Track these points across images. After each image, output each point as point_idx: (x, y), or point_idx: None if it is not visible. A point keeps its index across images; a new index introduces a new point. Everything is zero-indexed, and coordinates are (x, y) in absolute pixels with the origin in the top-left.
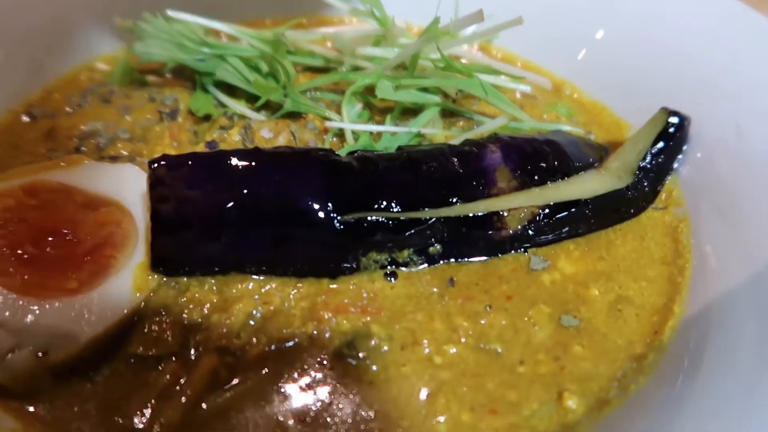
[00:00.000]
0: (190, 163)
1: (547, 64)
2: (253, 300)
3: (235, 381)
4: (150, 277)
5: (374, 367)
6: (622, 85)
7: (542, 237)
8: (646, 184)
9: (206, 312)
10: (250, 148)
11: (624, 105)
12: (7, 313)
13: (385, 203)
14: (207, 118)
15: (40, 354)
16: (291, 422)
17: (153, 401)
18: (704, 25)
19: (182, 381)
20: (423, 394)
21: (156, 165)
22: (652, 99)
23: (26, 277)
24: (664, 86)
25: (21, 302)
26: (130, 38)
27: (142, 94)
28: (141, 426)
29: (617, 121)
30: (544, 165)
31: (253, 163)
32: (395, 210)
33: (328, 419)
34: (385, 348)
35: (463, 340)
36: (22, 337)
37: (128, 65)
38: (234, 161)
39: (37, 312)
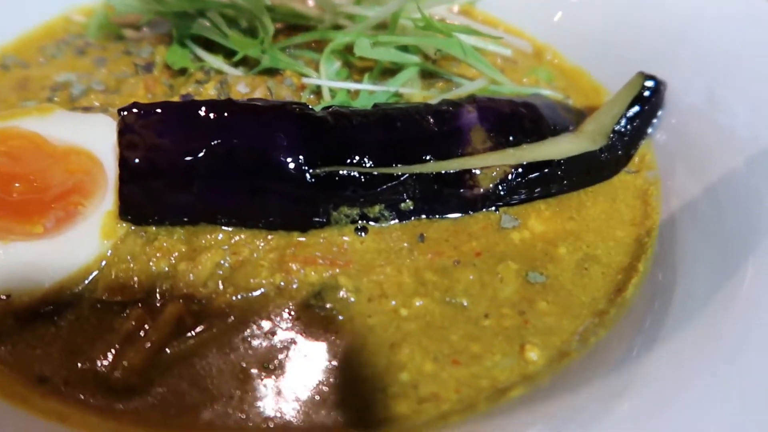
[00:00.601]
0: (160, 111)
1: (528, 29)
2: (222, 250)
3: (200, 328)
4: (118, 226)
5: (341, 317)
6: (602, 52)
7: (514, 196)
8: (619, 147)
9: (173, 261)
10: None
11: (604, 71)
12: None
13: (357, 158)
14: (183, 72)
15: (3, 297)
16: (254, 370)
17: (117, 346)
18: None
19: (147, 327)
20: (387, 344)
21: (126, 112)
22: (631, 66)
23: None
24: (643, 53)
25: None
26: None
27: (118, 47)
28: (103, 369)
29: (596, 86)
30: (519, 127)
31: (226, 114)
32: (368, 165)
33: (292, 367)
34: (352, 299)
35: (430, 294)
36: None
37: (105, 18)
38: (206, 111)
39: (1, 254)
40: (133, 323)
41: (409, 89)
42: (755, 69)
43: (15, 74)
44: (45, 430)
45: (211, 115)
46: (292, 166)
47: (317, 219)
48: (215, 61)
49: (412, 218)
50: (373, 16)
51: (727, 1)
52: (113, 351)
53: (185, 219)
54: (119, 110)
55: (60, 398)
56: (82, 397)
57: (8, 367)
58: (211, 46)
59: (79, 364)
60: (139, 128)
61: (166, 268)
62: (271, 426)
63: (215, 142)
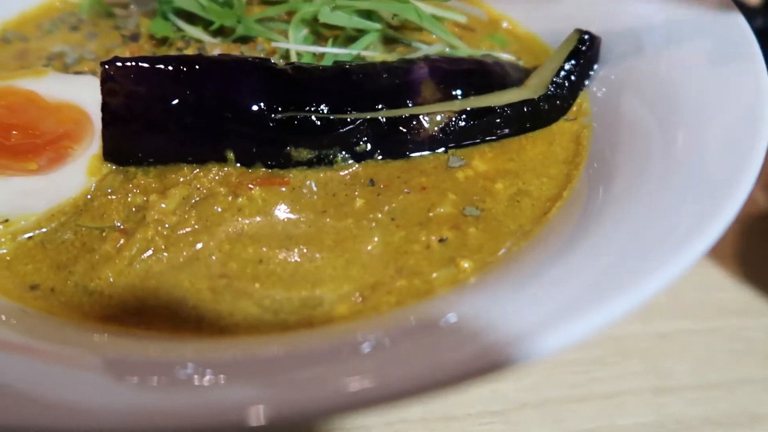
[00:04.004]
0: (138, 63)
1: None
2: (188, 185)
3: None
4: (102, 166)
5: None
6: (552, 16)
7: (460, 140)
8: (558, 97)
9: (147, 195)
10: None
11: (553, 36)
12: None
13: (315, 105)
14: (165, 41)
15: (2, 222)
16: (207, 280)
17: (95, 261)
18: None
19: (121, 246)
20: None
21: (108, 65)
22: (574, 26)
23: None
24: (585, 15)
25: None
26: None
27: (108, 23)
28: (82, 280)
29: (546, 49)
30: (468, 81)
31: (196, 66)
32: (324, 111)
33: (244, 274)
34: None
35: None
36: None
37: None
38: (178, 63)
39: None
40: (109, 243)
41: (371, 53)
42: (677, 26)
43: (15, 46)
44: (38, 319)
45: (183, 67)
46: (254, 110)
47: (279, 160)
48: (194, 31)
49: (368, 159)
50: None
51: None
52: (92, 266)
53: (159, 158)
54: (102, 63)
55: (47, 301)
56: (65, 300)
57: (6, 278)
58: (191, 19)
59: (64, 276)
60: (119, 77)
61: (140, 201)
62: (222, 324)
63: (186, 90)
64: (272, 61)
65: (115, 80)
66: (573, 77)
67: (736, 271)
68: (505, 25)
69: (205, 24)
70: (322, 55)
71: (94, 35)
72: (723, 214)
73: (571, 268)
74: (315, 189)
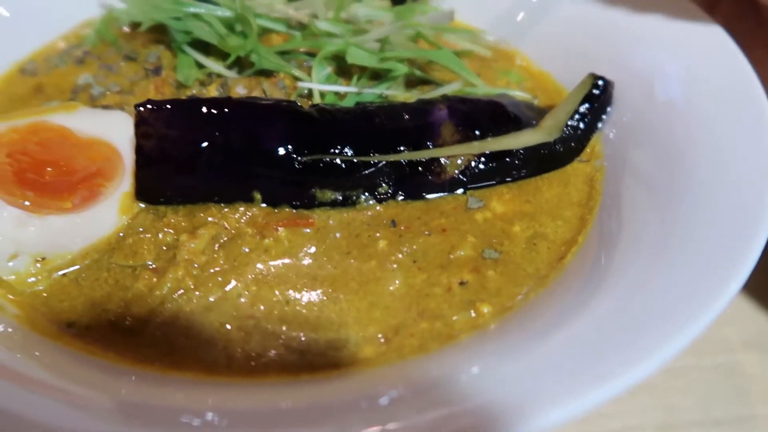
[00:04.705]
0: (170, 106)
1: (500, 34)
2: (217, 225)
3: (194, 287)
4: (133, 204)
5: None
6: (564, 56)
7: (478, 182)
8: (572, 139)
9: (177, 233)
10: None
11: (565, 75)
12: (11, 225)
13: (339, 148)
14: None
15: (39, 259)
16: (236, 322)
17: (128, 299)
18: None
19: (152, 285)
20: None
21: (142, 107)
22: (586, 69)
23: (28, 196)
24: (596, 56)
25: (23, 217)
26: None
27: (118, 54)
28: (114, 318)
29: (558, 88)
30: (485, 122)
31: (225, 109)
32: (348, 154)
33: (270, 317)
34: (324, 258)
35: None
36: (23, 245)
37: (104, 28)
38: (208, 107)
39: (37, 225)
40: (141, 282)
41: (392, 91)
42: (687, 73)
43: (31, 81)
44: (75, 359)
45: (213, 110)
46: (282, 153)
47: (304, 200)
48: (216, 66)
49: (389, 200)
50: (370, 37)
51: (666, 15)
52: (124, 303)
53: (188, 198)
54: (136, 105)
55: (83, 339)
56: (100, 338)
57: (43, 315)
58: (208, 49)
59: (98, 314)
60: (152, 120)
61: (170, 239)
62: (252, 364)
63: (216, 133)
64: (298, 105)
65: (149, 123)
66: (587, 120)
67: (742, 307)
68: (519, 61)
69: (224, 55)
70: (344, 93)
71: (109, 67)
72: (731, 284)
73: (582, 332)
74: (339, 230)
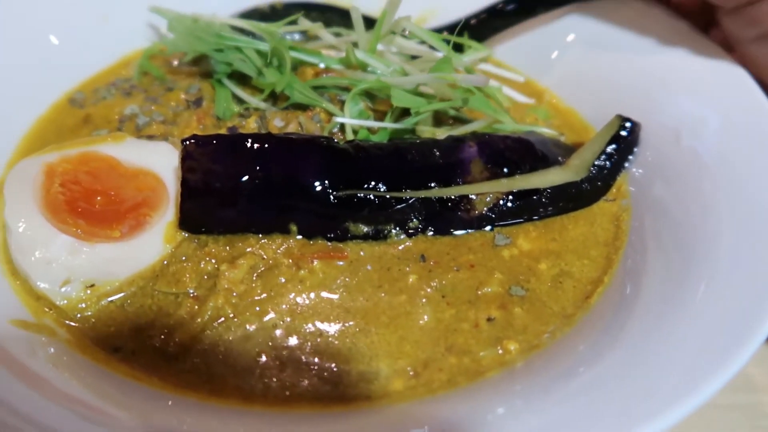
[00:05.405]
0: (215, 142)
1: (531, 73)
2: (255, 255)
3: (233, 315)
4: (177, 233)
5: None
6: (590, 94)
7: (506, 219)
8: (599, 179)
9: (218, 263)
10: (264, 132)
11: (591, 112)
12: (64, 252)
13: (373, 183)
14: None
15: (89, 285)
16: (273, 351)
17: (170, 325)
18: (655, 44)
19: (194, 312)
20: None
21: (188, 142)
22: (613, 108)
23: (80, 225)
24: (622, 96)
25: (75, 244)
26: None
27: (161, 86)
28: (159, 344)
29: (585, 125)
30: (513, 160)
31: (266, 145)
32: (381, 189)
33: (303, 349)
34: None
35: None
36: (75, 271)
37: (148, 61)
38: (251, 142)
39: (88, 252)
40: (184, 309)
41: (422, 127)
42: (712, 117)
43: (80, 112)
44: (122, 383)
45: (255, 146)
46: (318, 188)
47: (338, 233)
48: (254, 101)
49: (419, 235)
50: (408, 81)
51: (692, 59)
52: (168, 330)
53: (229, 229)
54: (182, 140)
55: (129, 363)
56: (145, 363)
57: (90, 339)
58: (245, 80)
59: (143, 340)
60: (197, 155)
61: (211, 268)
62: (287, 394)
63: (257, 168)
64: (335, 141)
65: (194, 158)
66: (614, 160)
67: (764, 345)
68: (547, 98)
69: (258, 88)
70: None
71: (154, 99)
72: (758, 330)
73: (607, 376)
74: (370, 263)
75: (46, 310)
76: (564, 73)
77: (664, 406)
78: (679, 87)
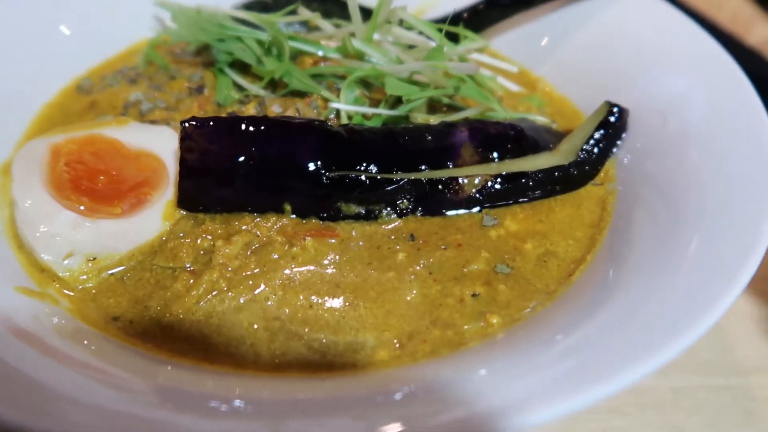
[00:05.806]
0: (212, 123)
1: (526, 62)
2: (250, 233)
3: (227, 289)
4: (176, 211)
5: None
6: (583, 81)
7: (494, 201)
8: (587, 163)
9: (214, 239)
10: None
11: (583, 100)
12: (67, 227)
13: (365, 165)
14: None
15: (91, 258)
16: (264, 321)
17: (167, 298)
18: (644, 28)
19: (190, 285)
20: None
21: (186, 123)
22: (603, 95)
23: (83, 202)
24: (612, 84)
25: (78, 220)
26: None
27: (165, 74)
28: (155, 314)
29: (577, 112)
30: (503, 145)
31: (262, 127)
32: (373, 171)
33: (295, 319)
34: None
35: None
36: (78, 246)
37: (153, 51)
38: (247, 124)
39: (90, 227)
40: (180, 282)
41: (416, 114)
42: (697, 97)
43: (86, 98)
44: (119, 348)
45: (251, 128)
46: (311, 169)
47: (330, 213)
48: (253, 88)
49: (410, 216)
50: (403, 69)
51: (679, 44)
52: (164, 302)
53: (225, 207)
54: (181, 122)
55: (126, 331)
56: (141, 331)
57: (92, 309)
58: (246, 69)
59: (141, 310)
60: (195, 136)
61: (207, 244)
62: (277, 362)
63: (253, 148)
64: (329, 124)
65: (193, 138)
66: (601, 145)
67: (754, 330)
68: (541, 86)
69: (259, 75)
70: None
71: (157, 87)
72: (727, 296)
73: (584, 339)
74: (361, 241)
75: (51, 281)
76: (557, 63)
77: (634, 360)
78: (664, 70)
